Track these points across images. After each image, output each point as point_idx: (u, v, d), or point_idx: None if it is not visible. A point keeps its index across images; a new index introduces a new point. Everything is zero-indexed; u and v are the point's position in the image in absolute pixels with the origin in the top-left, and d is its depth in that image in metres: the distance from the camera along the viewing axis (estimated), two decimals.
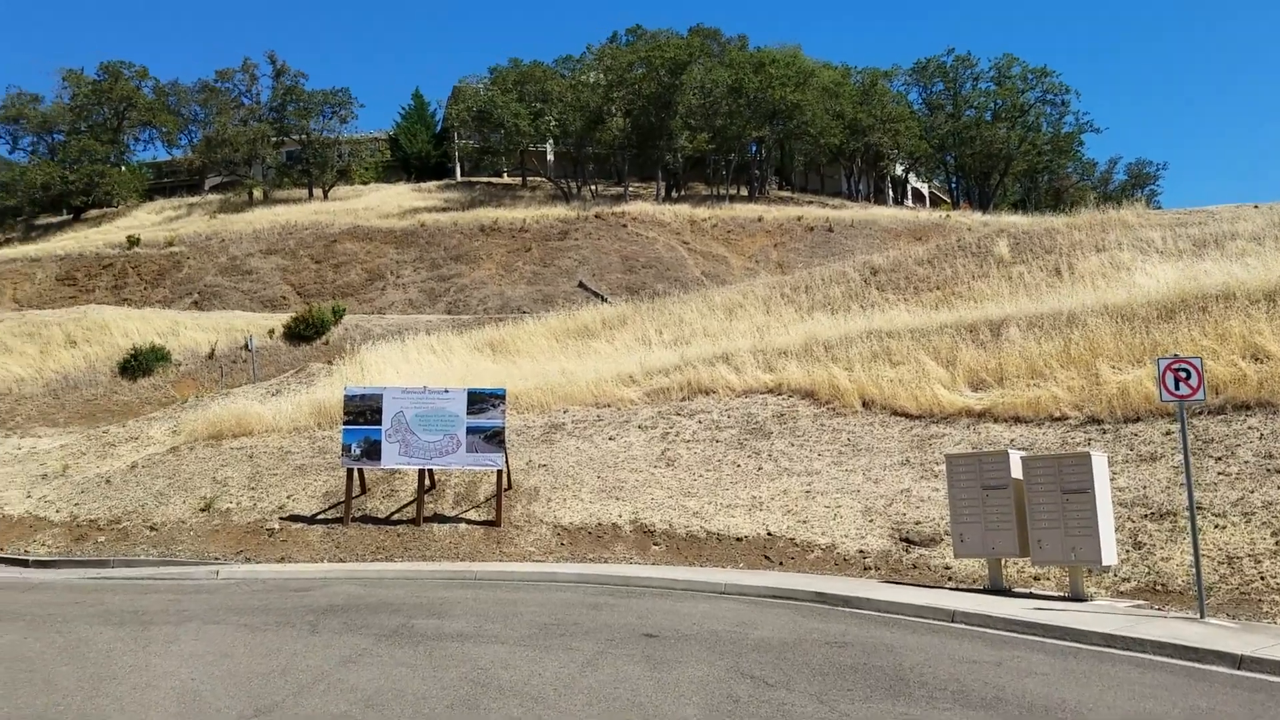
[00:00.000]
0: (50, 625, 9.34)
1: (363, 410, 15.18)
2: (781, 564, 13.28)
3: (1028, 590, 11.64)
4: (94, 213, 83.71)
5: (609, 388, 18.97)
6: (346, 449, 15.18)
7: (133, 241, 69.63)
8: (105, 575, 12.87)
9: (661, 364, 19.47)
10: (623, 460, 16.13)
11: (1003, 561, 11.68)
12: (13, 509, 15.91)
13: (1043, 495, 11.08)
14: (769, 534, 13.78)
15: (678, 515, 14.50)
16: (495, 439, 15.00)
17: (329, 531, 14.81)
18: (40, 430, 35.72)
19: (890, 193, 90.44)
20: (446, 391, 15.42)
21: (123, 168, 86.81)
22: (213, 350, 43.26)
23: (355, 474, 15.34)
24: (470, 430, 15.07)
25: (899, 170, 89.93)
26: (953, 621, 9.69)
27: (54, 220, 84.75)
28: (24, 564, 13.70)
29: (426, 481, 15.51)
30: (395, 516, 15.36)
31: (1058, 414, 14.70)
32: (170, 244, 68.95)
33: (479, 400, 15.23)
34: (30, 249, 74.22)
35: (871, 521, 13.66)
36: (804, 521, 13.94)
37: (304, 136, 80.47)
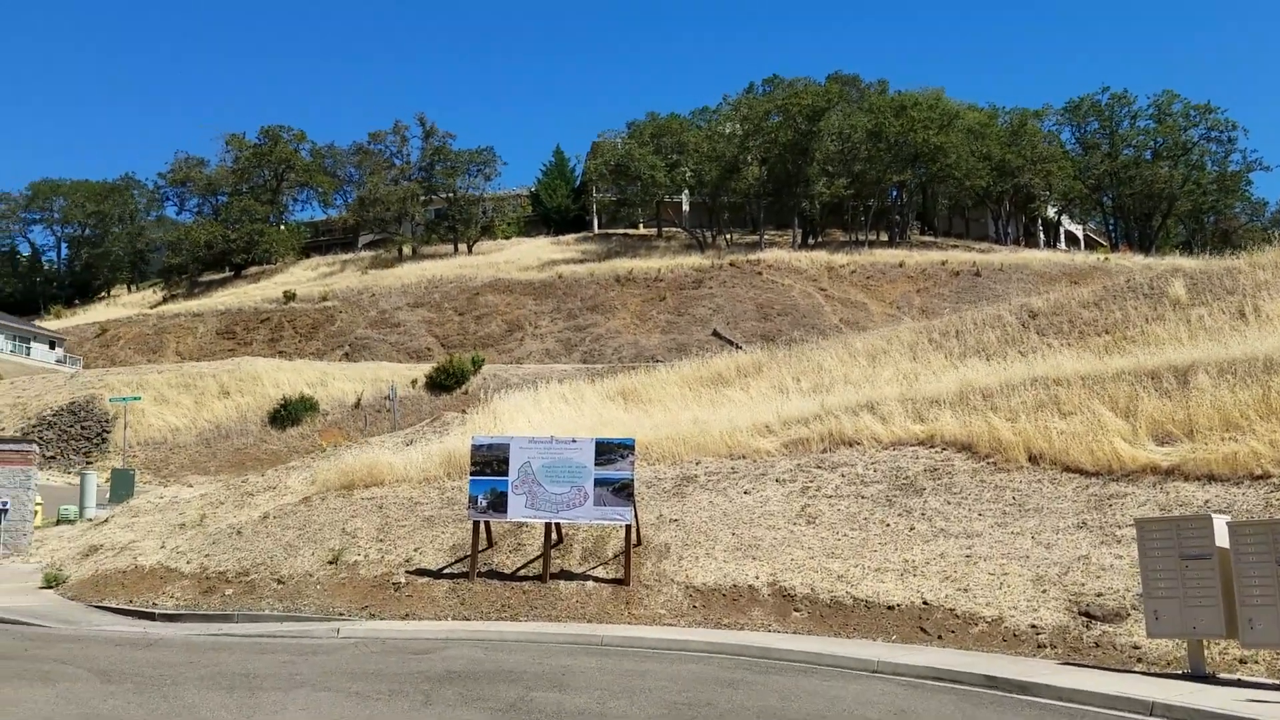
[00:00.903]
0: (158, 689, 8.95)
1: (490, 460, 14.66)
2: (940, 637, 11.88)
3: (1234, 677, 9.94)
4: (254, 269, 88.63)
5: (744, 438, 17.95)
6: (473, 501, 14.66)
7: (289, 296, 73.18)
8: (226, 631, 12.61)
9: (800, 413, 18.34)
10: (759, 516, 15.05)
11: (1204, 642, 10.03)
12: (146, 559, 16.04)
13: (1255, 567, 9.47)
14: (924, 602, 12.40)
15: (820, 578, 13.29)
16: (624, 491, 14.20)
17: (454, 587, 14.25)
18: (191, 478, 37.18)
19: (1041, 236, 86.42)
20: (574, 441, 14.74)
21: (281, 226, 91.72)
22: (358, 400, 44.44)
23: (481, 527, 14.79)
24: (598, 482, 14.32)
25: (1051, 212, 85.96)
26: (1151, 715, 8.23)
27: (216, 277, 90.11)
28: (150, 617, 13.63)
29: (554, 536, 14.81)
30: (521, 572, 14.69)
31: (1259, 471, 12.85)
32: (324, 298, 72.09)
33: (607, 450, 14.49)
34: (194, 304, 78.97)
35: (1044, 592, 12.11)
36: (965, 590, 12.50)
37: (451, 194, 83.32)
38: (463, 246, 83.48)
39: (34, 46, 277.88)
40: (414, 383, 46.17)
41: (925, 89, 76.28)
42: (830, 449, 16.77)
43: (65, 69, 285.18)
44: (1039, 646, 11.21)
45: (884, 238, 75.57)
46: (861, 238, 73.16)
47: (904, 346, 23.90)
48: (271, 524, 16.70)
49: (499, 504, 14.54)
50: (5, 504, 18.52)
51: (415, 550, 15.33)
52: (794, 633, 12.38)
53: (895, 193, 77.66)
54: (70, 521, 22.20)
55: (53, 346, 73.56)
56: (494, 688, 9.26)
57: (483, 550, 14.94)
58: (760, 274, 64.43)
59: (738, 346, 43.74)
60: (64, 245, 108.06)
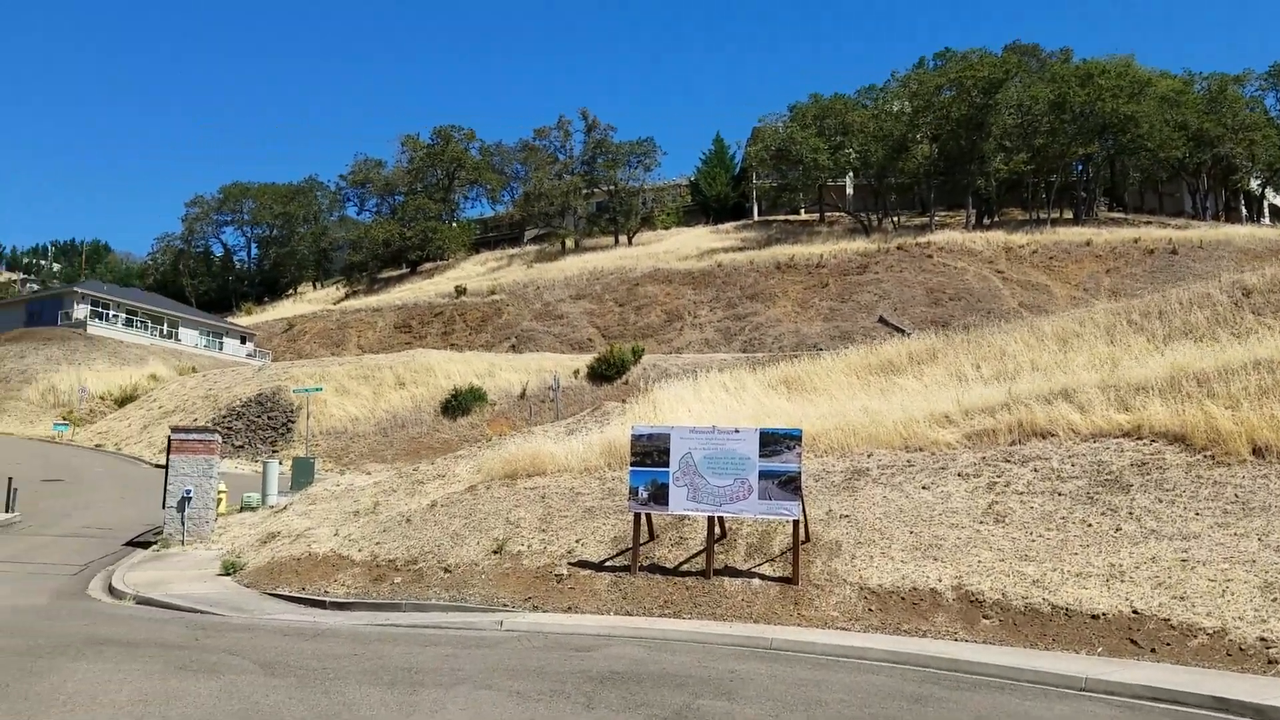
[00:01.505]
0: (319, 683, 8.81)
1: (650, 451, 14.13)
2: (1153, 650, 10.52)
3: None
4: (427, 266, 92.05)
5: (920, 429, 16.73)
6: (634, 492, 14.17)
7: (460, 291, 75.48)
8: (393, 622, 12.56)
9: (983, 402, 16.94)
10: (940, 514, 13.89)
11: None
12: (320, 546, 16.36)
13: None
14: (1134, 611, 11.03)
15: (1012, 583, 12.07)
16: (790, 485, 13.36)
17: (616, 580, 13.80)
18: (369, 466, 38.52)
19: (1244, 210, 79.29)
20: (737, 431, 14.00)
21: (453, 224, 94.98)
22: (524, 390, 45.10)
23: (642, 519, 14.28)
24: (763, 474, 13.54)
25: (1254, 185, 78.65)
26: None
27: (394, 274, 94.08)
28: (321, 605, 13.79)
29: (717, 530, 14.13)
30: (684, 567, 14.09)
31: None
32: (492, 292, 73.99)
33: (772, 441, 13.67)
34: (373, 300, 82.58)
35: (1274, 600, 10.56)
36: (1180, 598, 11.05)
37: (612, 186, 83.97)
38: (623, 238, 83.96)
39: (228, 62, 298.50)
40: (576, 373, 46.52)
41: (1112, 56, 71.12)
42: (1020, 441, 15.37)
43: (253, 79, 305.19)
44: (1269, 662, 9.74)
45: (1067, 215, 71.05)
46: (1042, 216, 69.00)
47: (1099, 329, 21.91)
48: (439, 512, 16.75)
49: (660, 496, 13.98)
50: (189, 491, 19.40)
51: (577, 541, 14.98)
52: (983, 642, 11.25)
53: (1080, 167, 72.84)
54: (253, 509, 23.17)
55: (243, 341, 78.55)
56: (658, 692, 8.68)
57: (644, 543, 14.44)
58: (930, 257, 61.69)
59: (905, 333, 41.79)
60: (254, 245, 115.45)
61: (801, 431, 13.94)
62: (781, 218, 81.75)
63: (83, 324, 67.54)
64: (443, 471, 21.23)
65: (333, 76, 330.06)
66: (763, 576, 13.55)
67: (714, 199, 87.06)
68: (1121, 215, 72.15)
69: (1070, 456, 14.60)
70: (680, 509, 13.96)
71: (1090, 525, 12.82)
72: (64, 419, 50.90)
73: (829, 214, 78.82)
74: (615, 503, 16.00)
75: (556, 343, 65.25)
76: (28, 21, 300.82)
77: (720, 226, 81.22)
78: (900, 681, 9.44)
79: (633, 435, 14.46)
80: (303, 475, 26.64)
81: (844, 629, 12.00)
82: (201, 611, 12.85)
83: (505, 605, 13.47)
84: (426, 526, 16.28)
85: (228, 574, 15.87)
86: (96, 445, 45.53)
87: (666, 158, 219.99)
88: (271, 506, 23.16)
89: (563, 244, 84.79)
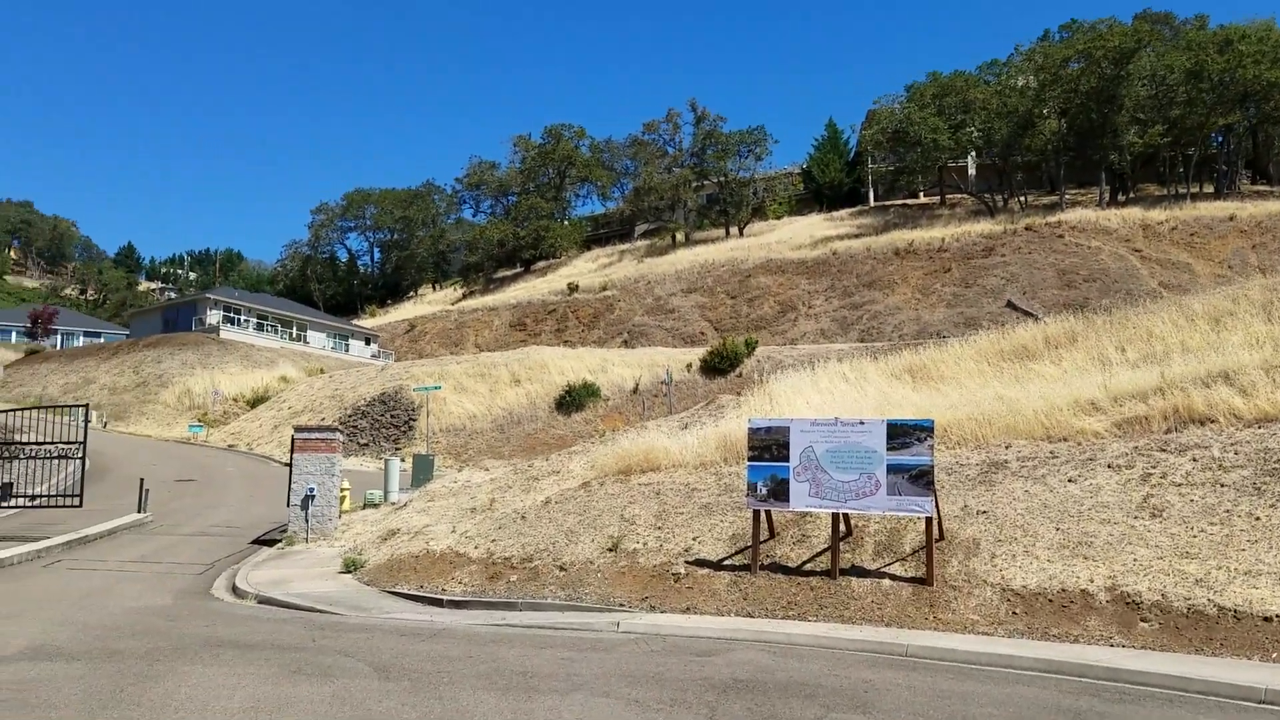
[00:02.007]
0: (434, 688, 8.52)
1: (769, 444, 13.47)
2: None
3: None
4: (541, 264, 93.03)
5: (1063, 417, 15.56)
6: (752, 488, 13.54)
7: (572, 288, 75.95)
8: (509, 622, 12.27)
9: (1132, 387, 15.65)
10: (1089, 508, 12.80)
11: None
12: (437, 544, 16.26)
13: None
14: None
15: (1172, 582, 10.98)
16: (922, 479, 12.50)
17: (736, 580, 13.20)
18: (487, 462, 38.79)
19: None
20: (862, 423, 13.21)
21: (564, 222, 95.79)
22: (636, 385, 44.84)
23: (762, 516, 13.63)
24: (891, 468, 12.73)
25: None
26: None
27: (508, 273, 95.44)
28: (438, 603, 13.63)
29: (842, 528, 13.37)
30: (807, 566, 13.39)
31: None
32: (604, 288, 74.15)
33: (901, 433, 12.83)
34: (489, 299, 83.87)
35: None
36: None
37: (722, 178, 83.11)
38: (734, 230, 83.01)
39: (349, 71, 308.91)
40: (688, 367, 46.00)
41: (1252, 20, 66.39)
42: (1176, 428, 14.09)
43: (373, 88, 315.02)
44: None
45: (1207, 189, 66.76)
46: (1180, 190, 65.01)
47: (1254, 306, 20.13)
48: (554, 509, 16.46)
49: (780, 492, 13.31)
50: (312, 490, 19.64)
51: (694, 539, 14.44)
52: (1142, 648, 10.24)
53: (1220, 138, 68.32)
54: (375, 506, 23.45)
55: (368, 342, 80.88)
56: (786, 704, 8.07)
57: (764, 541, 13.80)
58: (1061, 237, 58.78)
59: (1036, 318, 39.76)
60: (376, 250, 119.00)
61: (933, 422, 13.06)
62: (899, 202, 79.38)
63: (216, 329, 70.60)
64: (557, 468, 21.00)
65: (448, 81, 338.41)
66: (893, 577, 12.75)
67: (827, 186, 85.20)
68: (1266, 188, 67.32)
69: (1233, 444, 13.29)
70: (802, 505, 13.26)
71: (1258, 519, 11.60)
72: (199, 421, 53.23)
73: (950, 196, 76.13)
74: (732, 499, 15.41)
75: (668, 337, 64.88)
76: (163, 39, 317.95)
77: (834, 214, 79.41)
78: (1054, 693, 8.59)
79: (750, 429, 13.83)
80: (422, 472, 26.89)
81: (985, 634, 11.13)
82: (320, 611, 12.83)
83: (621, 605, 13.03)
84: (541, 524, 16.00)
85: (348, 572, 15.92)
86: (229, 445, 47.38)
87: (778, 146, 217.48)
88: (393, 503, 23.38)
89: (673, 238, 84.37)
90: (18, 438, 26.76)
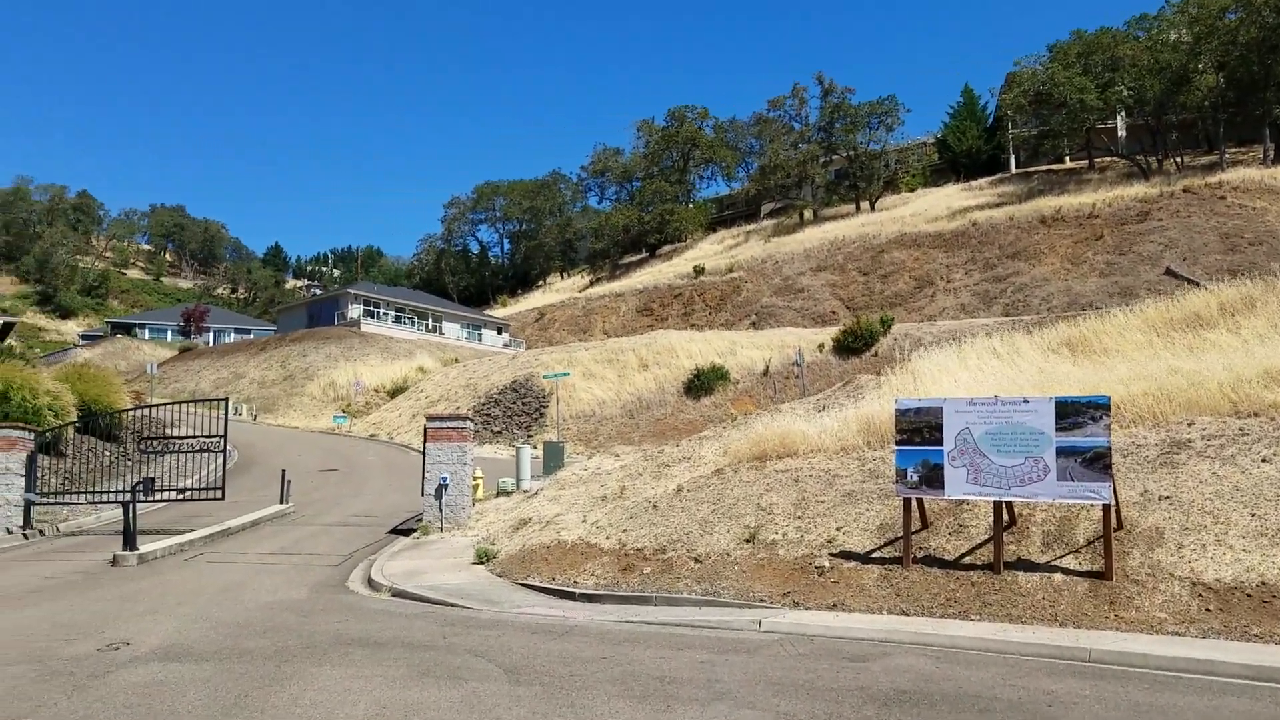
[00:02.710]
0: (566, 694, 7.92)
1: (919, 427, 12.37)
2: None
3: None
4: (666, 248, 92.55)
5: (1252, 390, 13.89)
6: (901, 474, 12.48)
7: (698, 271, 75.09)
8: (644, 618, 11.62)
9: None
10: None
11: None
12: (569, 534, 15.77)
13: None
14: None
15: None
16: (1098, 463, 11.20)
17: (886, 574, 12.20)
18: (618, 448, 38.43)
19: None
20: (1026, 402, 11.96)
21: (689, 205, 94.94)
22: (766, 367, 43.72)
23: (913, 505, 12.56)
24: (1061, 451, 11.47)
25: None
26: None
27: (634, 258, 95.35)
28: (570, 597, 13.10)
29: (1005, 517, 12.17)
30: (966, 559, 12.26)
31: None
32: (730, 270, 73.04)
33: (1071, 412, 11.55)
34: (615, 285, 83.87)
35: None
36: None
37: (851, 151, 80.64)
38: (865, 204, 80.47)
39: (477, 67, 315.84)
40: (820, 347, 44.55)
41: None
42: None
43: (501, 81, 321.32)
44: None
45: None
46: None
47: None
48: (686, 498, 15.75)
49: (933, 478, 12.21)
50: (445, 479, 19.50)
51: (837, 529, 13.48)
52: None
53: None
54: (507, 494, 23.28)
55: (499, 332, 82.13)
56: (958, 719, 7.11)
57: (915, 532, 12.72)
58: (1223, 198, 54.40)
59: (1197, 285, 36.72)
60: (505, 240, 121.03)
61: (1109, 399, 11.70)
62: (1043, 168, 75.28)
63: (356, 322, 72.90)
64: (688, 454, 20.29)
65: (572, 69, 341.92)
66: (1065, 571, 11.51)
67: (964, 154, 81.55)
68: None
69: None
70: (959, 493, 12.13)
71: None
72: (343, 411, 54.94)
73: (1098, 159, 71.70)
74: (878, 486, 14.36)
75: (798, 317, 63.35)
76: (309, 44, 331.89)
77: (972, 183, 75.95)
78: (1271, 706, 7.35)
79: (897, 410, 12.75)
80: (553, 459, 26.65)
81: (1176, 634, 9.84)
82: (452, 604, 12.48)
83: (761, 600, 12.21)
84: (674, 513, 15.31)
85: (481, 563, 15.63)
86: (370, 435, 48.65)
87: (910, 115, 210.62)
88: (525, 491, 23.18)
89: (800, 215, 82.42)
90: (170, 432, 27.87)
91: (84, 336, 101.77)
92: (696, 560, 13.80)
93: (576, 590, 13.30)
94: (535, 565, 14.90)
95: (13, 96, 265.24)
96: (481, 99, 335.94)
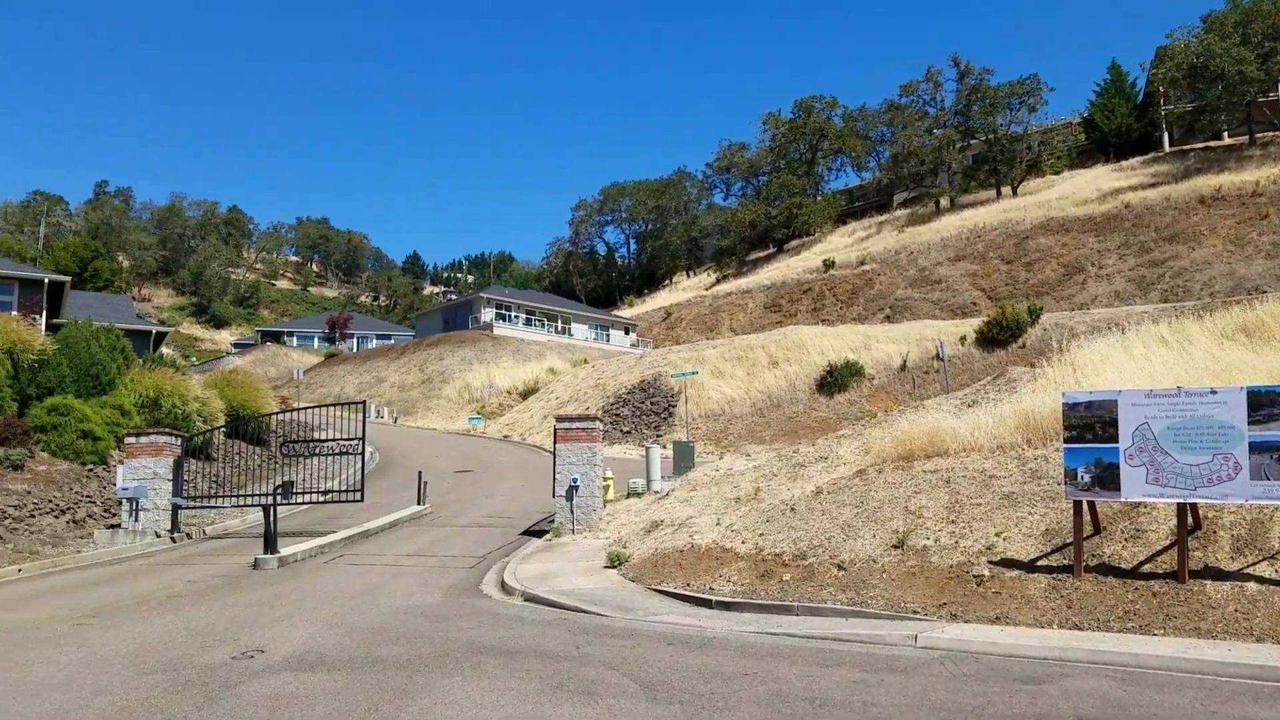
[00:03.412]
0: (705, 715, 7.36)
1: (1089, 423, 11.24)
2: None
3: None
4: (794, 243, 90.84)
5: None
6: (1070, 475, 11.37)
7: (828, 265, 73.32)
8: (785, 630, 10.91)
9: None
10: None
11: None
12: (702, 537, 15.15)
13: None
14: None
15: None
16: None
17: (1055, 584, 11.13)
18: (748, 448, 37.63)
19: None
20: (1213, 393, 10.71)
21: (817, 197, 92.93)
22: (904, 362, 42.07)
23: (1084, 508, 11.43)
24: (1255, 447, 10.21)
25: None
26: None
27: (761, 254, 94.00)
28: (706, 604, 12.49)
29: (1189, 520, 10.93)
30: (1145, 567, 11.07)
31: None
32: (861, 263, 71.03)
33: (1265, 403, 10.28)
34: (742, 282, 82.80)
35: None
36: None
37: (990, 135, 77.31)
38: (1005, 189, 76.98)
39: (603, 69, 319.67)
40: (961, 339, 42.56)
41: None
42: None
43: (625, 81, 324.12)
44: None
45: None
46: None
47: None
48: (826, 500, 14.92)
49: (1108, 479, 11.06)
50: (575, 480, 19.20)
51: (997, 535, 12.43)
52: None
53: None
54: (638, 495, 22.87)
55: (627, 332, 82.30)
56: None
57: (1088, 538, 11.58)
58: None
59: None
60: (631, 241, 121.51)
61: None
62: (1199, 145, 70.35)
63: (489, 325, 74.26)
64: (825, 453, 19.39)
65: (698, 65, 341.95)
66: (1261, 579, 10.24)
67: (1113, 133, 77.02)
68: None
69: None
70: (1138, 495, 10.95)
71: None
72: (477, 413, 55.90)
73: (1260, 134, 66.53)
74: (1041, 487, 13.21)
75: (935, 309, 60.98)
76: (444, 58, 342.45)
77: (1123, 163, 71.65)
78: None
79: (1065, 404, 11.63)
80: (683, 460, 26.13)
81: None
82: (585, 611, 12.05)
83: (914, 612, 11.32)
84: (813, 516, 14.51)
85: (613, 566, 15.20)
86: (504, 436, 49.25)
87: (1053, 95, 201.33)
88: (656, 492, 22.72)
89: (936, 204, 79.48)
90: (316, 435, 28.65)
91: (236, 345, 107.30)
92: (840, 567, 12.99)
93: (713, 597, 12.68)
94: (668, 570, 14.36)
95: (169, 113, 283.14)
96: (607, 101, 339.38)
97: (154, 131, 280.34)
